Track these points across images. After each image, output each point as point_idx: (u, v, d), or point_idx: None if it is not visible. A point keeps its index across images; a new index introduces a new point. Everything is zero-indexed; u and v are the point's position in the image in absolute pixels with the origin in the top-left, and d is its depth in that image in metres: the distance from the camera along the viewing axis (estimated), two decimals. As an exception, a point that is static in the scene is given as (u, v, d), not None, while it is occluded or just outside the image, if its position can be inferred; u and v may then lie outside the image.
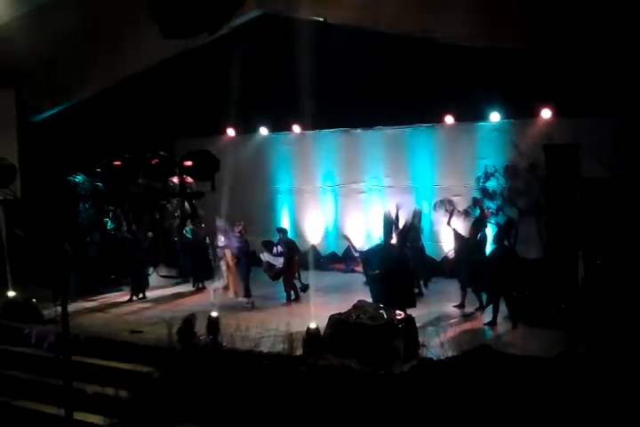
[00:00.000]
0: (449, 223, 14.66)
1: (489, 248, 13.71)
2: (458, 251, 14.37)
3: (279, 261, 15.06)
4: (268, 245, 15.43)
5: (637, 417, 8.57)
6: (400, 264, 13.32)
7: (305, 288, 15.09)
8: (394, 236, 13.64)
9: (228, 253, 15.20)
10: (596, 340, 10.65)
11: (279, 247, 15.19)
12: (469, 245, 13.96)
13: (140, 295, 16.11)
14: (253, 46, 15.95)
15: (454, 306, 14.04)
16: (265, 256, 15.32)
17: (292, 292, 15.20)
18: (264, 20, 15.40)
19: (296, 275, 15.34)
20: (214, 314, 12.31)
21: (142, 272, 16.38)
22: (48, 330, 12.90)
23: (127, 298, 16.09)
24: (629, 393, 8.83)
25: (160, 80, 16.98)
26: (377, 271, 13.31)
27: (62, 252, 14.84)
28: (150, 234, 16.43)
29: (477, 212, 14.72)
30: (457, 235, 14.37)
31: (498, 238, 13.18)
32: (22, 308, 14.31)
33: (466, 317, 13.50)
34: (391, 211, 13.96)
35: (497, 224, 14.19)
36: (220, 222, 15.50)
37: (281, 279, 15.32)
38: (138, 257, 16.07)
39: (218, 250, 15.52)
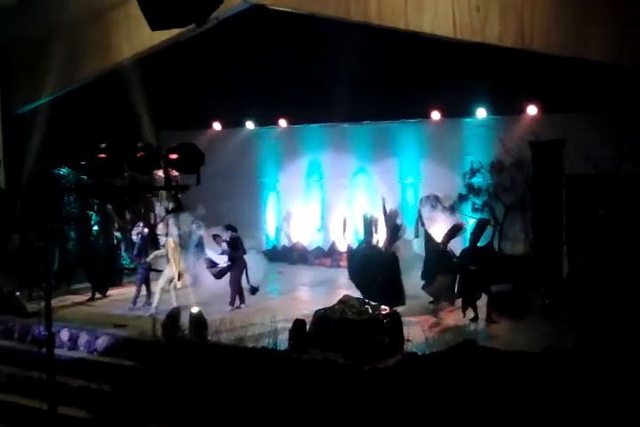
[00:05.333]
0: (423, 225, 14.73)
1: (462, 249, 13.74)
2: (427, 254, 14.36)
3: (223, 260, 14.39)
4: (217, 240, 14.62)
5: (622, 410, 8.62)
6: (388, 263, 13.42)
7: (254, 291, 14.41)
8: (376, 234, 13.73)
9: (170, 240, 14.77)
10: (579, 335, 10.69)
11: (224, 245, 14.43)
12: (439, 250, 14.00)
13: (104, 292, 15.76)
14: (240, 39, 15.90)
15: (430, 302, 14.05)
16: (208, 253, 14.79)
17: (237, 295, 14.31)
18: (251, 12, 15.31)
19: (243, 276, 14.40)
20: (197, 308, 12.28)
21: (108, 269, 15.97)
22: (31, 323, 12.84)
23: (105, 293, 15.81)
24: (615, 387, 8.87)
25: (147, 72, 16.87)
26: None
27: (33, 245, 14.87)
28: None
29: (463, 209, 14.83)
30: (430, 239, 14.37)
31: (472, 239, 13.22)
32: (5, 301, 14.22)
33: (437, 312, 13.54)
34: (371, 210, 14.02)
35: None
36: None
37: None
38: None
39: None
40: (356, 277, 13.90)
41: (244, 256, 14.44)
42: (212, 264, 14.47)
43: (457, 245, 14.04)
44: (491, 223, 13.83)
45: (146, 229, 14.84)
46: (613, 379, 9.00)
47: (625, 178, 12.77)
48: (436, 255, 13.99)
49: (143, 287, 14.64)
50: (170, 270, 14.05)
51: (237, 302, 14.28)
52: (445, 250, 13.97)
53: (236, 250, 14.30)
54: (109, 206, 16.21)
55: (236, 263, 14.28)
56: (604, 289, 11.90)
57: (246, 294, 14.36)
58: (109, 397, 10.85)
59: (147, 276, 14.64)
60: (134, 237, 14.89)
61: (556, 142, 13.26)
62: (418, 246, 15.19)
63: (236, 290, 14.30)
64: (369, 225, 13.88)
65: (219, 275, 14.47)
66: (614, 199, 12.52)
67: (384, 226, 13.87)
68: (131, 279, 15.72)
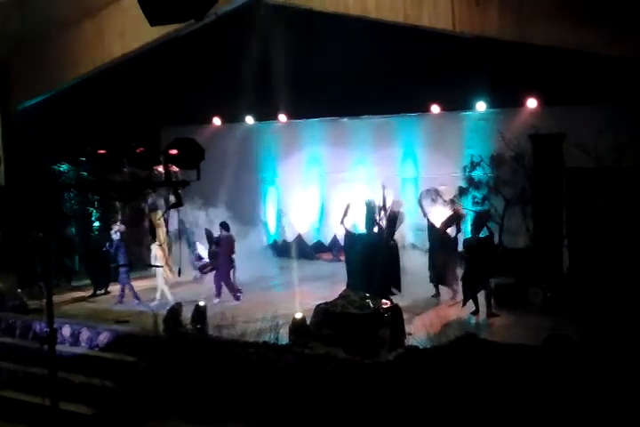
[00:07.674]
0: (425, 215, 14.84)
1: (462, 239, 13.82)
2: (431, 243, 14.49)
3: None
4: (209, 236, 14.81)
5: (621, 402, 8.63)
6: (387, 252, 13.45)
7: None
8: (378, 223, 13.77)
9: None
10: (580, 327, 10.71)
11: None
12: (441, 238, 14.09)
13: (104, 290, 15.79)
14: (240, 34, 15.86)
15: (432, 296, 14.12)
16: (198, 248, 15.00)
17: (233, 291, 14.49)
18: (250, 7, 15.28)
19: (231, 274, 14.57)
20: (201, 303, 12.29)
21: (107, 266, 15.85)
22: (32, 320, 12.86)
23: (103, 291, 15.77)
24: (614, 379, 8.89)
25: (146, 68, 16.85)
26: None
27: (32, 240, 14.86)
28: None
29: (463, 202, 14.86)
30: (432, 227, 14.51)
31: (473, 229, 13.27)
32: (6, 298, 14.23)
33: (438, 305, 13.63)
34: (374, 198, 14.04)
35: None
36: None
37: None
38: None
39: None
40: (353, 263, 13.93)
41: (233, 256, 14.54)
42: (199, 258, 15.02)
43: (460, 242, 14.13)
44: (491, 216, 13.85)
45: (123, 226, 14.87)
46: (615, 372, 9.02)
47: (625, 171, 12.76)
48: (438, 241, 14.16)
49: (133, 283, 14.74)
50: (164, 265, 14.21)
51: (241, 295, 14.40)
52: (445, 235, 14.06)
53: (220, 247, 14.38)
54: (117, 202, 16.19)
55: (221, 261, 14.37)
56: (604, 281, 11.92)
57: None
58: (111, 392, 10.88)
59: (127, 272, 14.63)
60: (113, 236, 14.81)
61: (555, 135, 13.26)
62: (415, 238, 15.28)
63: (229, 285, 14.40)
64: (371, 212, 13.90)
65: (202, 268, 14.90)
66: (614, 192, 12.51)
67: (384, 214, 13.92)
68: (134, 275, 15.67)
